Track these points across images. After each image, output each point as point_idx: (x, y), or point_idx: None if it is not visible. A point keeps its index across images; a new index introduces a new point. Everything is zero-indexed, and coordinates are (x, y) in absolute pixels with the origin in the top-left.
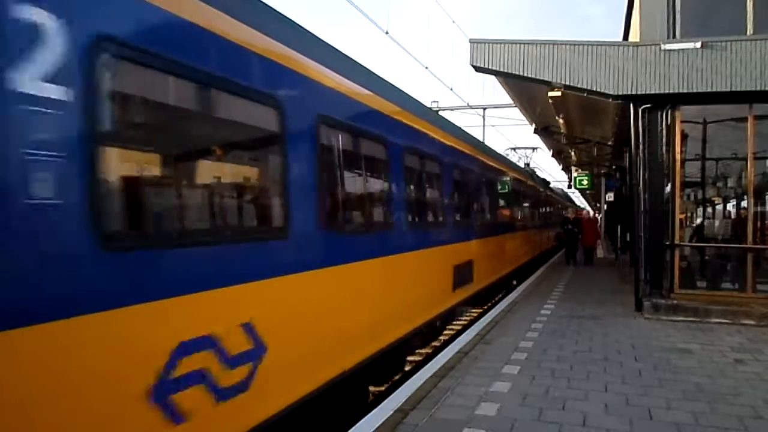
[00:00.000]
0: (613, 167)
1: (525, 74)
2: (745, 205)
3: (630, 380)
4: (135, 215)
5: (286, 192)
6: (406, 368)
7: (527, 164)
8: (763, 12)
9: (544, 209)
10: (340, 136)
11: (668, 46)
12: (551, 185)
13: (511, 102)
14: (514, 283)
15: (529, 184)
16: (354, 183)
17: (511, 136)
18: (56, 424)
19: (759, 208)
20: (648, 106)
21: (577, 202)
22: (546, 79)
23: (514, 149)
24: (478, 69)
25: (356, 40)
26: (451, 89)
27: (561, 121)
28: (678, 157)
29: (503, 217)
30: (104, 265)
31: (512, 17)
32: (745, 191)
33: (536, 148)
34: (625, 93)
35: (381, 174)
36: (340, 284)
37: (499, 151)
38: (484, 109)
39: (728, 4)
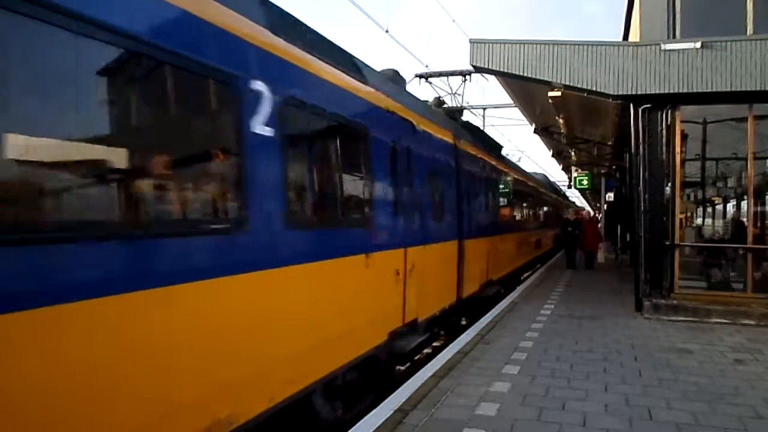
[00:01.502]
0: (613, 167)
1: (525, 74)
2: (745, 206)
3: (630, 380)
4: None
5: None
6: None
7: (461, 113)
8: (763, 12)
9: (483, 202)
10: None
11: (668, 46)
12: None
13: (511, 102)
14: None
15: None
16: None
17: (512, 136)
18: None
19: (759, 208)
20: (648, 106)
21: (572, 198)
22: (546, 79)
23: (425, 77)
24: (478, 69)
25: (356, 39)
26: (451, 88)
27: (561, 121)
28: (678, 157)
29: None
30: None
31: (512, 17)
32: (745, 191)
33: (469, 73)
34: (625, 93)
35: None
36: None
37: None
38: (484, 109)
39: (728, 4)
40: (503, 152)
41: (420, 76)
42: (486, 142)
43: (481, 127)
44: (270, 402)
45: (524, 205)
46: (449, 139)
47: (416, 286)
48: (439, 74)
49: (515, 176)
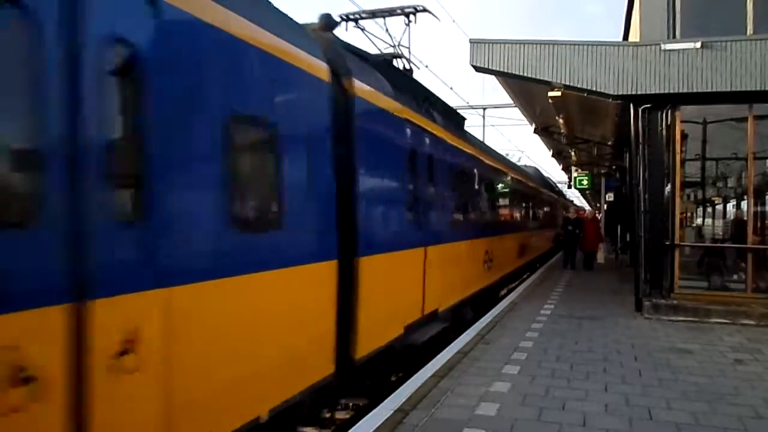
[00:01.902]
0: (613, 167)
1: (525, 74)
2: (745, 206)
3: (630, 380)
4: None
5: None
6: None
7: (406, 69)
8: (763, 12)
9: (418, 192)
10: None
11: (668, 46)
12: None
13: (511, 102)
14: None
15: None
16: None
17: (512, 136)
18: None
19: (759, 208)
20: (648, 106)
21: (572, 198)
22: (546, 79)
23: (354, 20)
24: (478, 69)
25: (356, 39)
26: (451, 89)
27: (561, 121)
28: (678, 157)
29: None
30: None
31: (512, 17)
32: (745, 191)
33: (414, 12)
34: (625, 93)
35: None
36: None
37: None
38: (484, 109)
39: (728, 4)
40: (513, 158)
41: (347, 19)
42: (431, 102)
43: (482, 128)
44: None
45: (501, 201)
46: (317, 74)
47: (156, 393)
48: (373, 14)
49: (484, 160)
